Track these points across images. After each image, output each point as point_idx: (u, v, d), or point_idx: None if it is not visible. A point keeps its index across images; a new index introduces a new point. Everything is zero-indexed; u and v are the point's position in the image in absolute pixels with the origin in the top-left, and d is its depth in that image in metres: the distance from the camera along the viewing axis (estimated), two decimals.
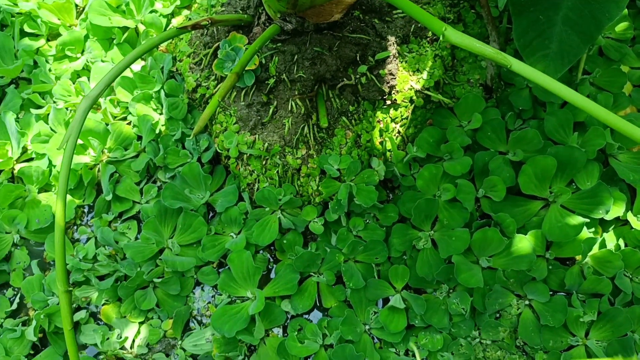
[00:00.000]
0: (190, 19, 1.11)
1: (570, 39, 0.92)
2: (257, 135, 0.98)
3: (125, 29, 1.18)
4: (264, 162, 0.99)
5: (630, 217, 1.00)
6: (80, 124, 0.74)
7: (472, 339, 0.98)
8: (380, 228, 1.02)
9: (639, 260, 0.98)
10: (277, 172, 0.99)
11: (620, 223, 1.02)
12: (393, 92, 0.98)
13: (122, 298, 1.01)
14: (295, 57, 0.94)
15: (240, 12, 1.00)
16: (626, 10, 1.15)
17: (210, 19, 0.90)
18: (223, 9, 1.03)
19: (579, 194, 0.99)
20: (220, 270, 1.04)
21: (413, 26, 1.00)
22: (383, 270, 1.01)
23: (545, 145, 1.01)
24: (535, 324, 0.97)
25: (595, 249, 1.00)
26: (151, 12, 1.18)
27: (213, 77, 1.02)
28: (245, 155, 0.99)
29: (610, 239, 1.01)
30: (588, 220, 0.97)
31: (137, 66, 1.17)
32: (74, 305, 1.02)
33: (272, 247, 1.06)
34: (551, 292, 0.99)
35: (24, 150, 1.11)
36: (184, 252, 1.03)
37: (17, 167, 1.10)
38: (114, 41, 1.18)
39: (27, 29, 1.19)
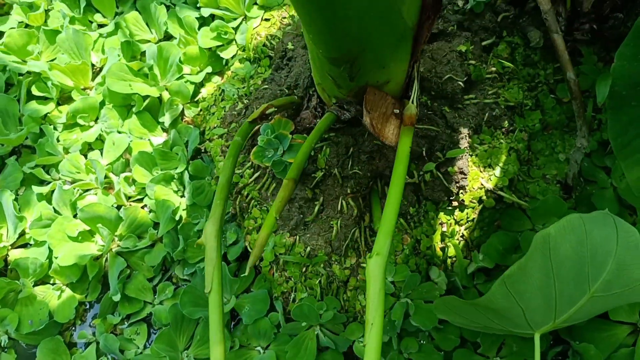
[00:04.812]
0: (223, 90, 0.97)
1: None
2: (297, 237, 0.82)
3: (146, 96, 1.03)
4: (303, 269, 0.83)
5: None
6: (219, 253, 0.61)
7: None
8: (437, 352, 0.85)
9: None
10: (320, 282, 0.82)
11: None
12: (461, 192, 0.83)
13: None
14: (351, 150, 0.79)
15: (286, 90, 0.86)
16: None
17: (272, 105, 0.77)
18: (265, 86, 0.88)
19: None
20: None
21: (487, 114, 0.85)
22: None
23: None
24: None
25: None
26: (178, 78, 1.04)
27: (249, 164, 0.86)
28: (282, 260, 0.83)
29: None
30: None
31: (158, 139, 1.02)
32: None
33: None
34: None
35: (22, 234, 0.95)
36: None
37: (13, 253, 0.94)
38: (133, 109, 1.04)
39: (35, 91, 1.06)
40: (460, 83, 0.82)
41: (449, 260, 0.88)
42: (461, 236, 0.88)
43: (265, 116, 0.70)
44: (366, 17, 0.56)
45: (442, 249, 0.86)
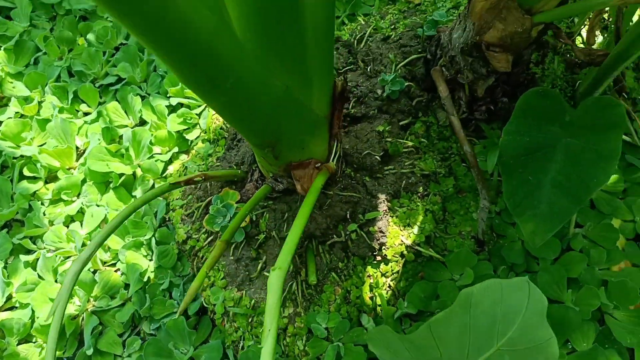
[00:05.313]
0: (186, 167, 1.14)
1: (560, 200, 0.92)
2: (244, 292, 0.96)
3: (122, 174, 1.20)
4: (250, 320, 0.96)
5: None
6: (69, 291, 0.73)
7: None
8: None
9: None
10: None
11: None
12: (383, 248, 0.98)
13: None
14: (286, 215, 0.95)
15: (235, 167, 1.03)
16: None
17: (204, 175, 0.92)
18: (218, 163, 1.05)
19: (576, 356, 0.95)
20: None
21: (404, 182, 1.01)
22: None
23: None
24: None
25: None
26: (149, 157, 1.21)
27: (204, 230, 1.02)
28: (231, 312, 0.97)
29: None
30: None
31: None
32: None
33: None
34: None
35: (9, 297, 1.09)
36: None
37: (0, 315, 1.08)
38: (110, 185, 1.20)
39: (26, 172, 1.22)
40: (377, 157, 0.98)
41: (378, 308, 1.01)
42: (388, 286, 1.02)
43: (192, 182, 0.85)
44: (275, 116, 0.73)
45: (371, 298, 1.00)
